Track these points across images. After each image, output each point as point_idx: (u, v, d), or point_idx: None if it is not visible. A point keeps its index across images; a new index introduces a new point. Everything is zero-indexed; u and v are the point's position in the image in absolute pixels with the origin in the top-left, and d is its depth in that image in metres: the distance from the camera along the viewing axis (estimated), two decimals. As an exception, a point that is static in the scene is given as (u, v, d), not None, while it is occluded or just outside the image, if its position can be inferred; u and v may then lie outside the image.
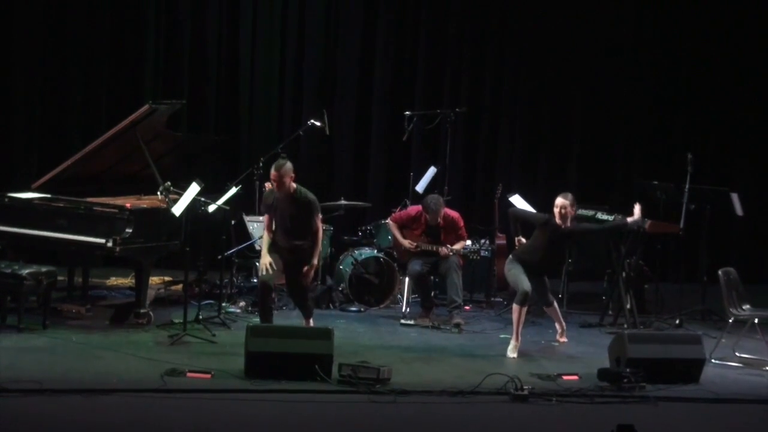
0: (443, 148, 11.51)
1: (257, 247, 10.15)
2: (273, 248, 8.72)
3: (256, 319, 9.50)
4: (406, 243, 10.15)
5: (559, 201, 8.93)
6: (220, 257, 9.72)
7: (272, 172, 8.60)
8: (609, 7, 13.06)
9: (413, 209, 10.31)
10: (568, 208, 8.88)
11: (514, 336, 8.78)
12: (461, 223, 10.19)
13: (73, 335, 8.66)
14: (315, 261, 8.69)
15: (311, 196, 8.72)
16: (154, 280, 10.37)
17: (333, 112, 11.96)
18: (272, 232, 8.76)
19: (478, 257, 10.45)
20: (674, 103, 13.24)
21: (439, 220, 10.03)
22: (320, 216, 8.77)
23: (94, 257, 10.04)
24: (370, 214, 11.83)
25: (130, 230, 8.88)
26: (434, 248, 10.03)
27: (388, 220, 10.40)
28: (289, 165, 8.59)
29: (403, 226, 10.24)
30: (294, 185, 8.65)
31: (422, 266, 9.99)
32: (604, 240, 10.53)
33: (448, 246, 9.96)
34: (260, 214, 9.32)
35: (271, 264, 8.60)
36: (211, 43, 12.44)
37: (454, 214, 10.21)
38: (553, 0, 13.01)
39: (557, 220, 8.90)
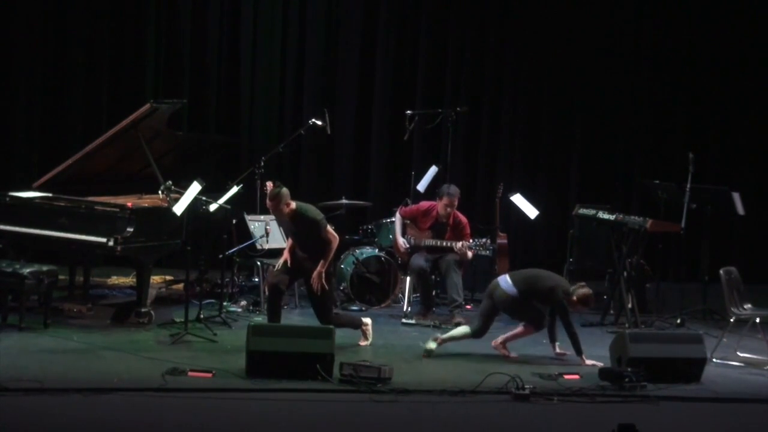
0: (444, 148, 11.49)
1: (258, 246, 10.15)
2: (295, 259, 8.69)
3: (258, 318, 9.54)
4: (400, 242, 10.18)
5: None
6: (221, 256, 9.71)
7: (267, 201, 8.58)
8: (609, 7, 13.05)
9: (425, 204, 10.32)
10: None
11: (511, 334, 8.82)
12: (467, 230, 10.19)
13: (74, 334, 8.66)
14: (320, 267, 8.48)
15: (312, 213, 8.60)
16: (155, 279, 10.37)
17: (334, 112, 11.95)
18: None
19: (488, 251, 10.43)
20: (675, 103, 13.23)
21: (450, 209, 10.02)
22: (328, 229, 8.61)
23: (95, 256, 10.04)
24: (371, 213, 11.82)
25: (132, 229, 8.87)
26: (438, 243, 10.03)
27: (397, 215, 10.39)
28: (283, 191, 8.46)
29: (412, 219, 10.26)
30: (293, 206, 8.52)
31: (425, 261, 9.99)
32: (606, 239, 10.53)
33: (464, 243, 9.95)
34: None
35: (286, 261, 8.63)
36: (211, 42, 12.43)
37: (463, 218, 10.21)
38: (553, 0, 13.01)
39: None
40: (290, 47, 12.59)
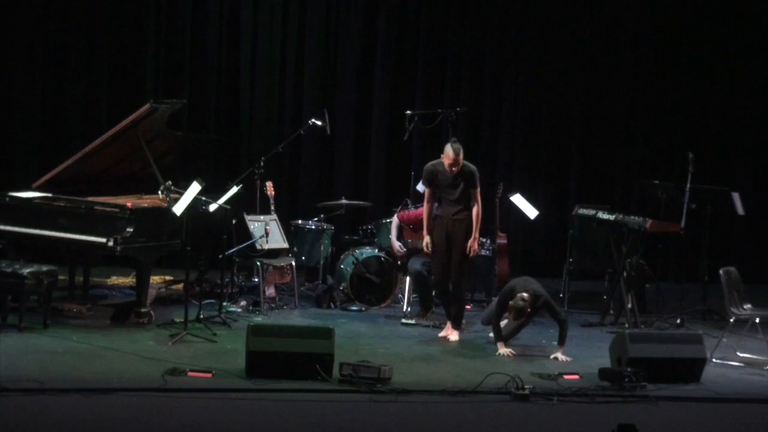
0: (444, 148, 11.49)
1: (258, 247, 10.15)
2: (436, 224, 9.22)
3: (257, 318, 9.55)
4: (396, 246, 10.24)
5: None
6: (221, 256, 9.71)
7: (452, 155, 9.05)
8: (609, 7, 13.06)
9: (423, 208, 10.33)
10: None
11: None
12: None
13: (73, 334, 8.66)
14: (475, 232, 9.14)
15: (473, 166, 9.26)
16: (155, 279, 10.36)
17: (333, 112, 11.95)
18: (432, 207, 9.25)
19: (488, 251, 10.43)
20: (674, 103, 13.23)
21: None
22: (480, 188, 9.23)
23: (95, 256, 10.04)
24: (371, 213, 11.82)
25: (131, 229, 8.87)
26: None
27: (394, 217, 10.41)
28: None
29: (410, 223, 10.28)
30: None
31: (422, 265, 9.99)
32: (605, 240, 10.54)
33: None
34: (424, 184, 9.49)
35: (428, 245, 9.21)
36: (211, 42, 12.42)
37: None
38: (553, 0, 13.01)
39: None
40: (290, 47, 12.59)
